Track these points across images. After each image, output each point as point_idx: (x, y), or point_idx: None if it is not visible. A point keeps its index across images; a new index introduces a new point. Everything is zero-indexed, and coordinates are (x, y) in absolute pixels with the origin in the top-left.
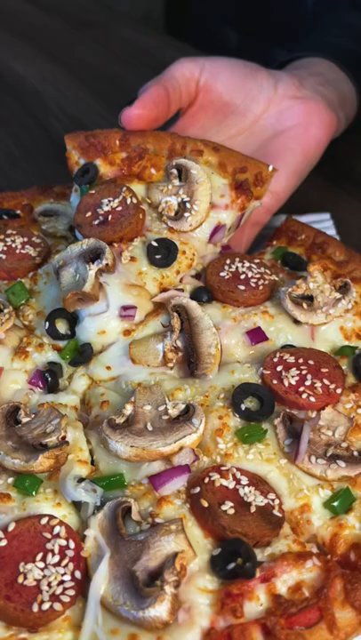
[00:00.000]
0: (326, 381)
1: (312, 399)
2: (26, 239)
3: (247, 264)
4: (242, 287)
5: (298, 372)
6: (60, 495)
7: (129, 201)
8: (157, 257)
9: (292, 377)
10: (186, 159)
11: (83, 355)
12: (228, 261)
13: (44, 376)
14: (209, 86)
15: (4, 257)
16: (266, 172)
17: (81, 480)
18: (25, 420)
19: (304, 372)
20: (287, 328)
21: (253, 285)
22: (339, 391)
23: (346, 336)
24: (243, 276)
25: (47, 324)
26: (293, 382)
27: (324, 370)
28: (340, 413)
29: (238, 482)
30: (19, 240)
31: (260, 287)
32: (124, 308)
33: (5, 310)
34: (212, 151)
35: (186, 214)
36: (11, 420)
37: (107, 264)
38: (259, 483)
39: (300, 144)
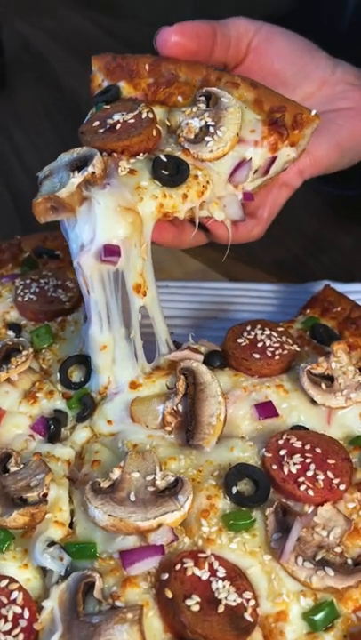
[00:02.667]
0: (330, 474)
1: (311, 492)
2: (59, 282)
3: (268, 332)
4: (257, 355)
5: (302, 459)
6: (29, 556)
7: (144, 115)
8: (164, 172)
9: (294, 464)
10: (218, 88)
11: (85, 408)
12: (248, 327)
13: (47, 424)
14: (261, 50)
15: (34, 298)
16: (307, 115)
17: (52, 544)
18: (13, 469)
19: (308, 461)
20: (302, 407)
21: (269, 355)
22: (343, 487)
23: None
24: (260, 344)
25: (59, 373)
26: (294, 470)
27: (330, 461)
28: (340, 513)
29: (214, 573)
30: (52, 282)
31: (277, 357)
32: (108, 248)
33: (24, 352)
34: (249, 86)
35: (207, 138)
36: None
37: (93, 172)
38: (237, 577)
39: (348, 122)
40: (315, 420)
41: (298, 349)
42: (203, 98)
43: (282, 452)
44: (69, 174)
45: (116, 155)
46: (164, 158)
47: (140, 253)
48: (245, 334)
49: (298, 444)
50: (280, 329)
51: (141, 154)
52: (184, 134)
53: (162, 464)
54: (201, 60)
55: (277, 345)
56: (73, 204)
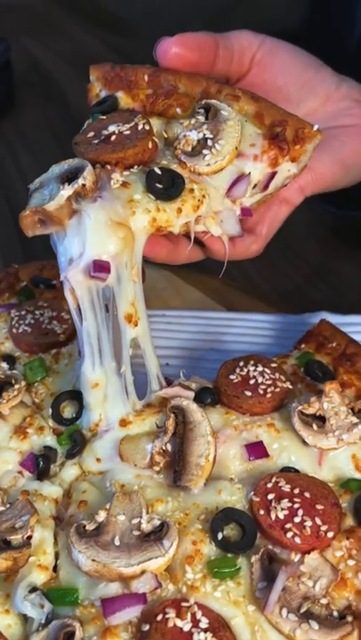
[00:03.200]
0: (318, 521)
1: (297, 540)
2: (55, 314)
3: (261, 368)
4: (249, 393)
5: (290, 504)
6: (10, 601)
7: (140, 127)
8: (158, 185)
9: (282, 509)
10: (218, 101)
11: (75, 444)
12: (241, 363)
13: (37, 461)
14: (265, 64)
15: (29, 330)
16: (309, 130)
17: (33, 590)
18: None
19: (296, 506)
20: (293, 447)
21: (261, 392)
22: (330, 535)
23: (357, 466)
24: (252, 381)
25: (51, 409)
26: (281, 516)
27: (319, 506)
28: (327, 562)
29: (196, 624)
30: (47, 314)
31: (269, 395)
32: (97, 264)
33: (16, 386)
34: (250, 99)
35: (205, 151)
36: None
37: (83, 185)
38: (220, 628)
39: (352, 139)
40: (306, 462)
41: (291, 387)
42: (202, 110)
43: (270, 497)
44: (59, 186)
45: (109, 167)
46: (158, 171)
47: (131, 276)
48: (238, 370)
49: (287, 488)
50: (273, 365)
51: (136, 166)
52: (181, 147)
53: (149, 506)
54: (202, 72)
55: (270, 382)
56: (62, 217)
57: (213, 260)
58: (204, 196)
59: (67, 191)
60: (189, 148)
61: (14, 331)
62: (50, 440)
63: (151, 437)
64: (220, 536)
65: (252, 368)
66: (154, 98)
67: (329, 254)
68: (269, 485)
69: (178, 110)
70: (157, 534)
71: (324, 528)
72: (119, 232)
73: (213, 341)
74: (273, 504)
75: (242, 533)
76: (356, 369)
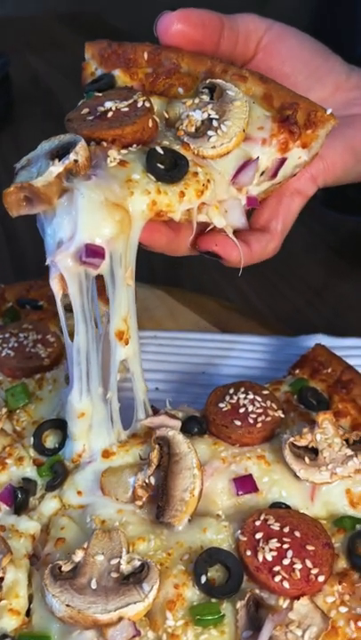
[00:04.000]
0: (309, 563)
1: (286, 584)
2: (40, 337)
3: (251, 396)
4: (238, 422)
5: (278, 544)
6: None
7: (140, 104)
8: (159, 166)
9: (270, 550)
10: (223, 81)
11: (56, 476)
12: (231, 390)
13: (15, 493)
14: (272, 49)
15: (12, 354)
16: (322, 114)
17: (3, 637)
18: None
19: (286, 547)
20: (284, 481)
21: (251, 422)
22: (321, 579)
23: (352, 502)
24: (242, 410)
25: (33, 438)
26: (269, 558)
27: (310, 547)
28: (318, 609)
29: None
30: (32, 337)
31: (259, 424)
32: (90, 248)
33: None
34: (258, 80)
35: (210, 132)
36: None
37: (75, 160)
38: None
39: None
40: (297, 497)
41: (282, 415)
42: (206, 90)
43: (258, 536)
44: (49, 163)
45: (105, 144)
46: (160, 150)
47: (125, 279)
48: (228, 398)
49: (276, 527)
50: (265, 392)
51: (135, 145)
52: (184, 127)
53: (130, 544)
54: (206, 52)
55: (261, 411)
56: (50, 195)
57: (209, 280)
58: (208, 181)
59: (57, 167)
60: (193, 129)
61: None
62: (29, 471)
63: (134, 470)
64: (203, 579)
65: (242, 396)
66: (154, 77)
67: (328, 275)
68: (258, 523)
69: (180, 90)
70: (137, 576)
71: (314, 571)
72: (115, 214)
73: (206, 364)
74: (261, 544)
75: (227, 576)
76: (352, 397)
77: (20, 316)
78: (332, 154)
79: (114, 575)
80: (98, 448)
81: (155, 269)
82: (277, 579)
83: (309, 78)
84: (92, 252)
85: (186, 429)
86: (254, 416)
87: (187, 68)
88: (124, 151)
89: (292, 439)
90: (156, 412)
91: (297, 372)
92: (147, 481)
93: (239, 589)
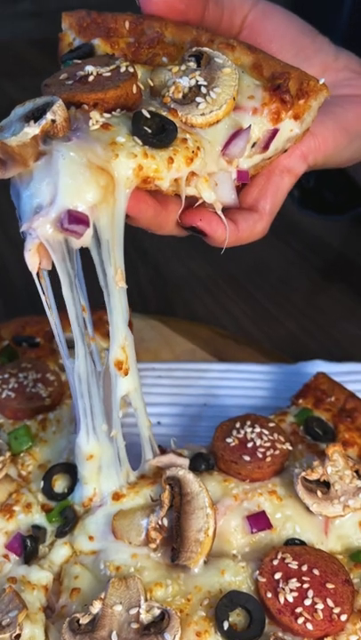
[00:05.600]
0: (330, 602)
1: (309, 626)
2: (39, 375)
3: (258, 429)
4: (247, 457)
5: (298, 584)
6: None
7: (123, 69)
8: (146, 129)
9: (291, 591)
10: (210, 49)
11: (66, 522)
12: (238, 425)
13: (24, 542)
14: (257, 27)
15: (12, 395)
16: (315, 84)
17: None
18: None
19: (306, 586)
20: (296, 517)
21: (260, 456)
22: (344, 618)
23: None
24: (250, 444)
25: (43, 482)
26: (291, 599)
27: (330, 585)
28: None
29: None
30: (31, 376)
31: (268, 459)
32: (73, 215)
33: (0, 458)
34: (246, 49)
35: (199, 99)
36: None
37: (53, 120)
38: None
39: (355, 107)
40: (311, 532)
41: (290, 448)
42: (193, 58)
43: (277, 576)
44: (24, 125)
45: (86, 106)
46: (146, 114)
47: (116, 281)
48: (235, 432)
49: (294, 565)
50: (271, 425)
51: (118, 110)
52: (170, 94)
53: (147, 591)
54: (190, 24)
55: (269, 444)
56: (26, 156)
57: (201, 307)
58: (198, 149)
59: (32, 128)
60: (180, 96)
61: None
62: (38, 518)
63: (146, 512)
64: (225, 625)
65: (249, 429)
66: (136, 46)
67: (318, 298)
68: (275, 562)
69: (164, 59)
70: (158, 626)
71: (336, 610)
72: (100, 178)
73: (206, 395)
74: (281, 585)
75: (249, 619)
76: (358, 425)
77: (17, 355)
78: (324, 131)
79: (134, 626)
80: (108, 491)
81: (147, 297)
82: (300, 621)
83: (296, 57)
84: (75, 219)
85: (193, 467)
86: (263, 450)
87: (171, 38)
88: (107, 115)
89: (303, 473)
90: (162, 450)
91: (300, 401)
92: (160, 522)
93: (262, 634)
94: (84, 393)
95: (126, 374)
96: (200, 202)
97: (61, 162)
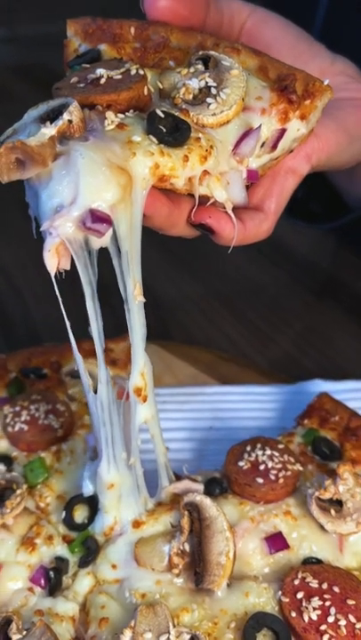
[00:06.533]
0: (352, 618)
1: None
2: (50, 406)
3: (269, 452)
4: (260, 480)
5: (321, 602)
6: None
7: (134, 72)
8: (161, 128)
9: (314, 610)
10: (217, 53)
11: (89, 552)
12: (248, 448)
13: (47, 574)
14: (255, 33)
15: (26, 428)
16: (320, 85)
17: None
18: (15, 637)
19: (328, 604)
20: (312, 536)
21: (273, 478)
22: None
23: None
24: (262, 466)
25: (64, 512)
26: (315, 617)
27: (350, 602)
28: None
29: None
30: (43, 408)
31: (281, 480)
32: (95, 214)
33: (18, 491)
34: (251, 53)
35: (209, 99)
36: (0, 635)
37: (70, 121)
38: None
39: (355, 110)
40: (327, 550)
41: (301, 468)
42: (200, 61)
43: (299, 595)
44: (39, 126)
45: (100, 107)
46: (160, 113)
47: (135, 296)
48: (246, 456)
49: (315, 584)
50: (281, 446)
51: (131, 111)
52: (181, 95)
53: (174, 617)
54: (193, 29)
55: (280, 466)
56: (45, 155)
57: (198, 331)
58: (211, 147)
59: (49, 129)
60: (190, 97)
61: (10, 429)
62: (60, 549)
63: (167, 538)
64: None
65: (260, 452)
66: (143, 51)
67: (313, 318)
68: (296, 582)
69: (171, 63)
70: None
71: (359, 626)
72: (120, 177)
73: (212, 419)
74: (304, 604)
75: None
76: None
77: (24, 386)
78: (326, 132)
79: None
80: (127, 519)
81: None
82: (326, 638)
83: (295, 62)
84: (98, 219)
85: (208, 492)
86: (275, 472)
87: (176, 43)
88: (120, 115)
89: (317, 493)
90: (177, 477)
91: (306, 421)
92: (181, 548)
93: None
94: (106, 421)
95: (145, 401)
96: (211, 201)
97: (81, 161)
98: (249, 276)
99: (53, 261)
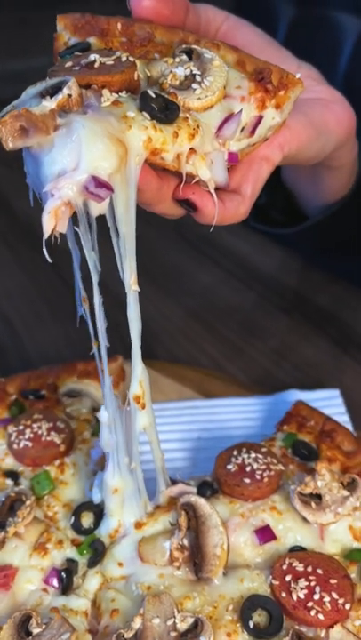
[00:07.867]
0: (335, 595)
1: (321, 617)
2: (51, 424)
3: (253, 454)
4: (247, 480)
5: (306, 582)
6: None
7: (124, 58)
8: (153, 106)
9: (301, 589)
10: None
11: (96, 553)
12: (235, 453)
13: (60, 575)
14: (229, 37)
15: (30, 445)
16: (293, 77)
17: None
18: (36, 630)
19: (313, 584)
20: (296, 527)
21: (258, 478)
22: (348, 607)
23: (355, 536)
24: (248, 468)
25: (73, 518)
26: (302, 596)
27: (332, 581)
28: (350, 632)
29: None
30: (45, 426)
31: (265, 479)
32: (96, 180)
33: (27, 502)
34: (229, 48)
35: (194, 85)
36: (22, 630)
37: (69, 95)
38: None
39: (320, 107)
40: (309, 539)
41: (283, 468)
42: (183, 54)
43: (287, 578)
44: (40, 100)
45: (95, 86)
46: (152, 94)
47: (132, 284)
48: (233, 460)
49: (300, 568)
50: (264, 449)
51: (124, 92)
52: (169, 81)
53: (178, 605)
54: (176, 26)
55: (264, 467)
56: (48, 124)
57: (180, 350)
58: (198, 126)
59: (50, 102)
60: (177, 83)
61: (15, 447)
62: (70, 552)
63: (167, 535)
64: (251, 624)
65: (245, 456)
66: (129, 45)
67: (285, 333)
68: (285, 567)
69: (156, 56)
70: (194, 632)
71: (341, 601)
72: (119, 148)
73: (199, 430)
74: (292, 585)
75: (269, 618)
76: (337, 444)
77: (25, 407)
78: (297, 125)
79: (173, 634)
80: (130, 521)
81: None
82: (313, 613)
83: None
84: (99, 184)
85: (200, 494)
86: (260, 472)
87: (161, 39)
88: (115, 95)
89: (299, 489)
90: (173, 482)
91: (285, 427)
92: (181, 543)
93: (282, 628)
94: (111, 428)
95: (144, 408)
96: (195, 180)
97: (82, 130)
98: (222, 296)
99: (51, 223)
